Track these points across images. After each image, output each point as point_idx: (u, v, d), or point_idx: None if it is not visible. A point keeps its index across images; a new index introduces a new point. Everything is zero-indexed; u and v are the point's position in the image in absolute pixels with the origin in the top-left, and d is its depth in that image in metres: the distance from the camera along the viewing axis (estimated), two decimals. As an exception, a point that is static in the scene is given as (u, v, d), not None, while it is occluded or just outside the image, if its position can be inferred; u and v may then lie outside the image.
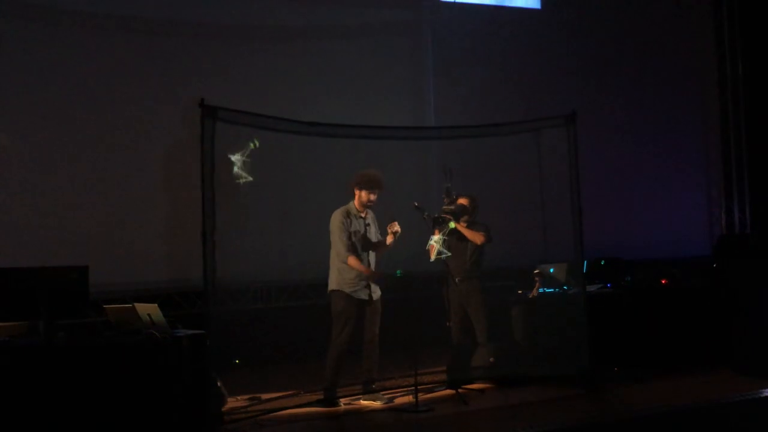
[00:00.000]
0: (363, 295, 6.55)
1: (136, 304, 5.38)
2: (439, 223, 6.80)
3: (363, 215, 6.64)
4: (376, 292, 6.63)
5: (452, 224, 6.85)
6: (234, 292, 8.18)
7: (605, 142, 10.07)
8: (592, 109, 9.40)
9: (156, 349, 5.18)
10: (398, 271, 6.63)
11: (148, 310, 5.37)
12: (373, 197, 6.58)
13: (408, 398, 6.36)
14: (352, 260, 6.50)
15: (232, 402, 6.26)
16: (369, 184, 6.56)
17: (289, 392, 6.65)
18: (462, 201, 7.04)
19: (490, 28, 9.77)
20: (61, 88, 7.93)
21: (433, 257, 6.68)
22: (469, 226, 7.03)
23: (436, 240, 6.66)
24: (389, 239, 6.60)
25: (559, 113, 7.06)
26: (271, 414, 6.05)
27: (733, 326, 7.38)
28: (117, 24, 8.21)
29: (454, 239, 7.02)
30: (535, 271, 7.40)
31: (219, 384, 5.88)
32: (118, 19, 8.20)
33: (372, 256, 6.66)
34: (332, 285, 6.58)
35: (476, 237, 7.01)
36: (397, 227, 6.54)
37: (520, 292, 7.44)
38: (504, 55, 9.79)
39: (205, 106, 5.77)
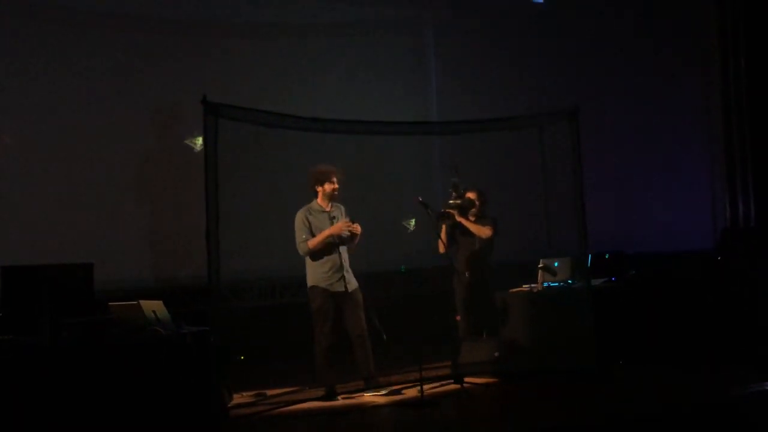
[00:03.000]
0: (339, 287, 6.57)
1: (141, 302, 5.36)
2: (444, 218, 6.84)
3: (327, 210, 6.66)
4: (352, 283, 6.64)
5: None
6: (238, 289, 8.19)
7: (608, 136, 10.04)
8: (595, 104, 9.38)
9: (161, 346, 5.18)
10: (402, 267, 6.65)
11: (153, 307, 5.36)
12: (336, 186, 6.62)
13: (413, 392, 6.36)
14: (312, 241, 6.50)
15: (238, 398, 6.28)
16: (326, 176, 6.62)
17: (295, 388, 6.67)
18: (470, 195, 7.11)
19: (492, 23, 9.76)
20: (63, 87, 7.96)
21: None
22: (477, 221, 7.07)
23: None
24: (355, 241, 6.62)
25: (561, 108, 7.06)
26: (277, 410, 6.06)
27: (739, 319, 7.37)
28: (118, 22, 8.23)
29: (458, 233, 7.07)
30: (540, 266, 7.41)
31: (225, 380, 5.89)
32: (120, 17, 8.22)
33: (344, 250, 6.66)
34: (309, 281, 6.63)
35: (481, 231, 7.05)
36: (355, 227, 6.54)
37: (525, 287, 7.44)
38: (506, 50, 9.78)
39: (207, 103, 5.77)
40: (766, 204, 10.83)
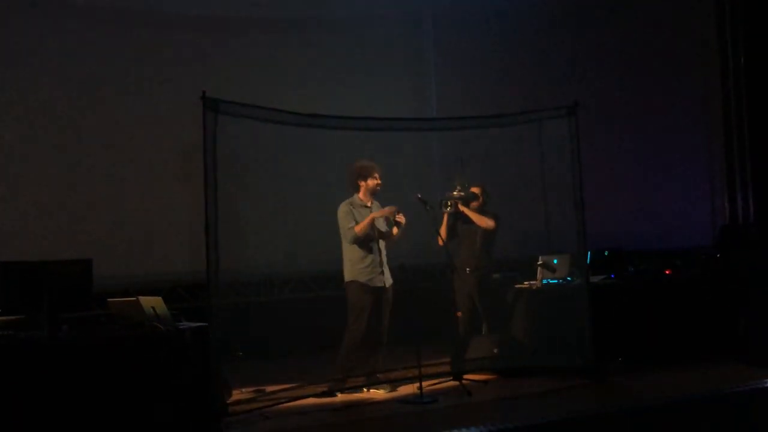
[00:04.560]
0: (378, 283, 6.61)
1: (140, 298, 5.37)
2: (447, 205, 6.90)
3: (368, 205, 6.69)
4: (389, 279, 6.70)
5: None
6: (238, 285, 8.18)
7: (607, 132, 10.03)
8: (595, 100, 9.36)
9: (160, 342, 5.19)
10: None
11: (152, 303, 5.36)
12: (379, 181, 6.71)
13: (412, 388, 6.36)
14: (358, 226, 6.56)
15: (237, 394, 6.26)
16: (370, 171, 6.69)
17: (294, 384, 6.65)
18: (474, 190, 7.19)
19: (491, 19, 9.74)
20: (65, 84, 7.95)
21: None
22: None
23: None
24: (395, 231, 6.68)
25: (561, 104, 7.05)
26: (276, 406, 6.06)
27: (737, 316, 7.37)
28: (122, 18, 8.24)
29: (460, 224, 7.09)
30: (539, 263, 7.41)
31: (224, 376, 5.88)
32: (123, 12, 8.22)
33: (382, 245, 6.70)
34: (347, 276, 6.65)
35: (484, 221, 7.06)
36: (401, 218, 6.61)
37: (525, 284, 7.44)
38: (506, 45, 9.76)
39: (206, 98, 5.76)
40: (765, 201, 10.84)
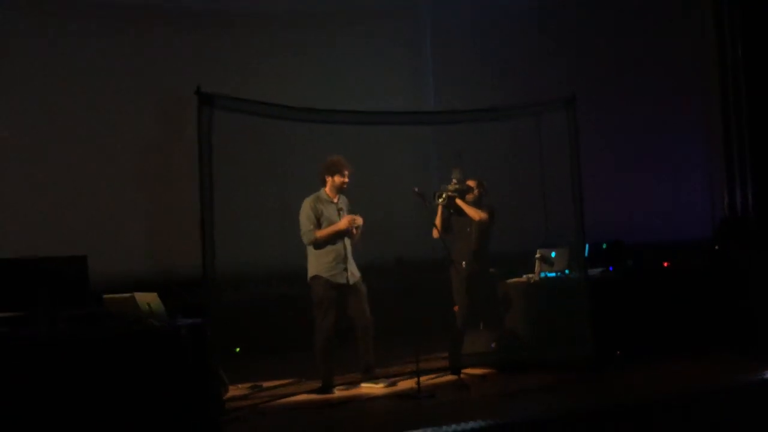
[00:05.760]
0: (341, 279, 6.55)
1: (136, 294, 5.35)
2: (441, 197, 6.88)
3: (335, 201, 6.65)
4: (355, 275, 6.63)
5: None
6: (234, 281, 8.15)
7: (606, 124, 10.00)
8: (593, 94, 9.33)
9: (156, 339, 5.17)
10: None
11: (148, 299, 5.34)
12: (346, 179, 6.63)
13: (410, 383, 6.34)
14: (320, 232, 6.50)
15: (234, 390, 6.26)
16: (338, 168, 6.62)
17: (290, 380, 6.65)
18: (470, 183, 7.16)
19: (489, 12, 9.71)
20: (57, 80, 7.94)
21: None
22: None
23: None
24: (355, 233, 6.61)
25: (558, 96, 7.02)
26: (273, 402, 6.04)
27: (737, 308, 7.36)
28: (113, 14, 8.20)
29: (454, 218, 7.07)
30: (537, 256, 7.39)
31: (220, 372, 5.87)
32: (115, 7, 8.18)
33: (347, 242, 6.64)
34: (311, 271, 6.59)
35: (476, 213, 7.02)
36: (358, 221, 6.56)
37: (524, 277, 7.42)
38: (503, 38, 9.73)
39: (201, 93, 5.73)
40: (764, 193, 10.82)
